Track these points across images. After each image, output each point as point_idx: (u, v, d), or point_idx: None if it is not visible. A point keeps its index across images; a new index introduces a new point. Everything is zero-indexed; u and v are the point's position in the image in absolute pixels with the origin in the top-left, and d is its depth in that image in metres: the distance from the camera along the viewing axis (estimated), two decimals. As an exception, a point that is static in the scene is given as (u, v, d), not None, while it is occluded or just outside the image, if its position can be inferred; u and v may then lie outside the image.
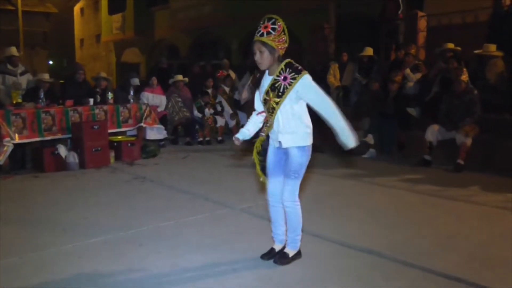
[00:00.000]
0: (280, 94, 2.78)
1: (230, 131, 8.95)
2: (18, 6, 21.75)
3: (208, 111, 8.44)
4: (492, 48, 6.68)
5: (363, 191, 5.00)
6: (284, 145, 2.85)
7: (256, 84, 2.96)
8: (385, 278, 2.79)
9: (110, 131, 6.66)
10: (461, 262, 3.03)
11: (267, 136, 2.97)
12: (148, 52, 20.64)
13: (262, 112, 2.99)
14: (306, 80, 2.77)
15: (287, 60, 2.83)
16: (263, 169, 3.04)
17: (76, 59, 25.90)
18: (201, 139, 8.33)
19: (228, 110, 8.89)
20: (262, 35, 2.75)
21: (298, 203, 2.93)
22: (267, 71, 2.89)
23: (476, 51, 6.83)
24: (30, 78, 7.38)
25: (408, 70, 7.53)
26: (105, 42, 23.58)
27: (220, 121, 8.63)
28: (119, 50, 22.87)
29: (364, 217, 4.00)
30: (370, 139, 6.75)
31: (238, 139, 3.02)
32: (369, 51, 8.54)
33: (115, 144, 6.75)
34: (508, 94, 6.28)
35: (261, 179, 3.07)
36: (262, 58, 2.79)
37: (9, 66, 7.17)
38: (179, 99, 8.47)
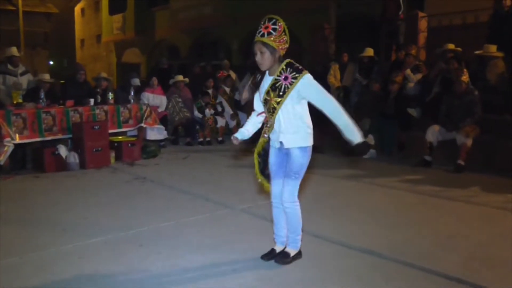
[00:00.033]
0: (281, 94, 2.78)
1: (231, 132, 8.95)
2: (19, 6, 21.79)
3: (208, 112, 8.44)
4: (493, 48, 6.68)
5: (363, 191, 5.00)
6: (286, 146, 2.85)
7: (256, 86, 2.96)
8: (385, 279, 2.79)
9: (110, 131, 6.67)
10: (461, 262, 3.03)
11: (269, 137, 2.96)
12: (149, 52, 20.65)
13: (262, 113, 2.98)
14: (307, 79, 2.77)
15: (287, 60, 2.83)
16: (263, 170, 3.04)
17: (76, 60, 25.93)
18: (201, 139, 8.33)
19: (228, 110, 8.89)
20: (263, 35, 2.75)
21: (298, 203, 2.93)
22: (267, 72, 2.89)
23: (476, 52, 6.82)
24: (31, 78, 7.39)
25: (408, 71, 7.53)
26: (106, 42, 23.60)
27: (221, 122, 8.64)
28: (119, 50, 22.88)
29: (364, 218, 4.00)
30: (370, 139, 6.74)
31: (236, 138, 3.02)
32: (369, 51, 8.53)
33: (116, 144, 6.75)
34: (508, 95, 6.28)
35: (259, 180, 3.07)
36: (263, 58, 2.79)
37: (9, 66, 7.17)
38: (180, 100, 8.48)
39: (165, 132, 7.71)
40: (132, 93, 7.43)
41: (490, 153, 5.94)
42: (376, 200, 4.61)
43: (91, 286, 2.74)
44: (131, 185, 5.32)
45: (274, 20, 2.76)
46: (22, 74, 7.27)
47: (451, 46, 7.36)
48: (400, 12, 8.88)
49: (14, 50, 7.28)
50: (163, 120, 7.95)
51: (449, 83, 6.38)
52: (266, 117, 2.94)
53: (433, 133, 6.10)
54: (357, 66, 8.71)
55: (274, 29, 2.74)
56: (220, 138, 8.58)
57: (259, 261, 3.03)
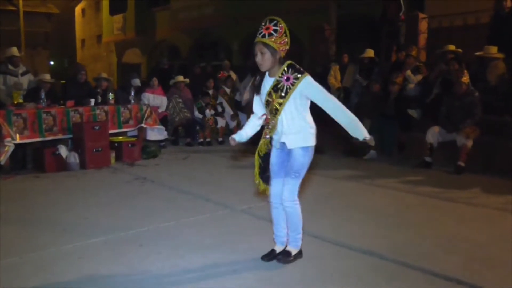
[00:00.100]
0: (283, 94, 2.78)
1: (231, 132, 8.95)
2: (19, 7, 21.82)
3: (208, 112, 8.44)
4: (493, 50, 6.68)
5: (364, 192, 5.00)
6: (289, 146, 2.85)
7: (256, 88, 2.95)
8: (385, 280, 2.79)
9: (110, 131, 6.67)
10: (461, 263, 3.03)
11: (271, 138, 2.96)
12: (149, 52, 20.66)
13: (263, 115, 2.98)
14: (308, 80, 2.78)
15: (289, 62, 2.83)
16: (262, 172, 3.03)
17: (77, 60, 25.96)
18: (201, 140, 8.33)
19: (228, 111, 8.90)
20: (263, 36, 2.75)
21: (297, 202, 2.93)
22: (267, 73, 2.89)
23: (477, 53, 6.82)
24: (31, 79, 7.39)
25: (409, 72, 7.53)
26: (106, 42, 23.61)
27: (221, 122, 8.64)
28: (120, 50, 22.89)
29: (364, 218, 4.00)
30: (370, 140, 6.73)
31: (234, 139, 3.02)
32: (370, 52, 8.54)
33: (116, 144, 6.75)
34: (509, 96, 6.28)
35: (257, 182, 3.07)
36: (263, 59, 2.79)
37: (10, 67, 7.18)
38: (180, 100, 8.48)
39: (165, 133, 7.71)
40: (132, 94, 7.43)
41: (490, 154, 5.93)
42: (376, 201, 4.61)
43: (91, 286, 2.74)
44: (131, 185, 5.32)
45: (275, 21, 2.76)
46: (23, 74, 7.27)
47: (452, 47, 7.36)
48: (401, 13, 8.89)
49: (14, 50, 7.29)
50: (163, 120, 7.95)
51: (450, 84, 6.38)
52: (267, 119, 2.94)
53: (433, 134, 6.10)
54: (358, 67, 8.71)
55: (275, 30, 2.74)
56: (220, 139, 8.58)
57: (259, 261, 3.03)
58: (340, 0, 11.68)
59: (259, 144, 3.02)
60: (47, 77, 7.17)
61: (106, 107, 6.79)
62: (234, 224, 3.85)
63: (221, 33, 16.32)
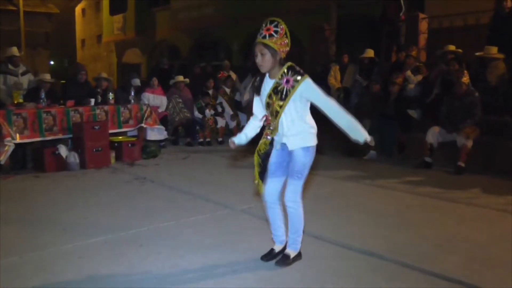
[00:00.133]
0: (283, 97, 2.78)
1: (231, 132, 8.96)
2: (19, 7, 21.82)
3: (208, 112, 8.45)
4: (493, 50, 6.67)
5: (364, 192, 5.00)
6: (290, 148, 2.85)
7: (256, 90, 2.95)
8: (385, 280, 2.79)
9: (110, 131, 6.67)
10: (461, 264, 3.03)
11: (272, 139, 2.96)
12: (149, 52, 20.66)
13: (264, 116, 2.98)
14: (308, 83, 2.77)
15: (289, 64, 2.82)
16: (262, 172, 3.03)
17: (77, 60, 25.97)
18: (201, 140, 8.33)
19: (228, 111, 8.90)
20: (264, 37, 2.75)
21: (300, 204, 2.92)
22: (267, 75, 2.88)
23: (477, 53, 6.82)
24: (32, 78, 7.40)
25: (409, 72, 7.53)
26: (106, 42, 23.61)
27: (221, 122, 8.64)
28: (120, 50, 22.89)
29: (364, 219, 4.00)
30: (370, 141, 6.73)
31: (233, 142, 3.01)
32: (370, 52, 8.54)
33: (116, 144, 6.75)
34: (509, 96, 6.28)
35: (256, 182, 3.06)
36: (264, 60, 2.78)
37: (10, 66, 7.18)
38: (180, 100, 8.48)
39: (165, 133, 7.71)
40: (132, 93, 7.43)
41: (491, 154, 5.93)
42: (377, 202, 4.61)
43: (91, 286, 2.74)
44: (131, 185, 5.32)
45: (276, 23, 2.76)
46: (23, 74, 7.28)
47: (452, 47, 7.36)
48: (401, 13, 8.89)
49: (14, 50, 7.29)
50: (163, 120, 7.95)
51: (450, 84, 6.38)
52: (268, 120, 2.94)
53: (433, 135, 6.10)
54: (358, 67, 8.70)
55: (276, 32, 2.74)
56: (220, 139, 8.58)
57: (259, 261, 3.03)
58: (340, 0, 11.67)
59: (259, 144, 3.02)
60: (47, 77, 7.17)
61: (106, 107, 6.79)
62: (234, 224, 3.85)
63: (221, 33, 16.32)
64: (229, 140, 3.04)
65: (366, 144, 2.96)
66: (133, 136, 7.26)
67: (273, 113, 2.85)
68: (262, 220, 3.83)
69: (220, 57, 15.13)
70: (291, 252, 3.01)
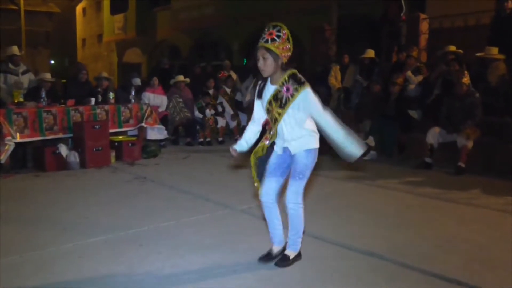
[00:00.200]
0: (282, 105, 2.79)
1: (231, 132, 8.97)
2: (20, 6, 21.81)
3: (209, 112, 8.44)
4: (494, 51, 6.67)
5: (364, 193, 5.00)
6: (292, 151, 2.86)
7: (258, 94, 2.95)
8: (385, 280, 2.79)
9: (111, 131, 6.67)
10: (461, 264, 3.03)
11: (272, 143, 2.95)
12: (150, 52, 20.67)
13: (265, 120, 2.98)
14: (306, 94, 2.76)
15: (291, 71, 2.81)
16: (260, 174, 3.02)
17: (77, 59, 25.97)
18: (201, 139, 8.33)
19: (229, 111, 8.89)
20: (266, 41, 2.75)
21: (302, 205, 2.91)
22: (269, 80, 2.88)
23: (478, 54, 6.82)
24: (32, 78, 7.40)
25: (409, 73, 7.53)
26: (107, 42, 23.61)
27: (221, 122, 8.64)
28: (120, 50, 22.89)
29: (364, 219, 4.00)
30: (371, 141, 6.74)
31: (235, 150, 3.00)
32: (370, 53, 8.53)
33: (116, 144, 6.75)
34: (509, 97, 6.27)
35: (256, 184, 3.06)
36: (266, 64, 2.78)
37: (10, 65, 7.19)
38: (180, 100, 8.48)
39: (165, 132, 7.71)
40: (133, 93, 7.43)
41: (491, 155, 5.93)
42: (377, 202, 4.61)
43: (91, 286, 2.74)
44: (131, 184, 5.32)
45: (278, 27, 2.76)
46: (23, 73, 7.29)
47: (452, 48, 7.35)
48: (402, 14, 8.88)
49: (15, 49, 7.30)
50: (164, 120, 7.95)
51: (450, 85, 6.38)
52: (269, 124, 2.95)
53: (434, 135, 6.10)
54: (358, 68, 8.70)
55: (278, 36, 2.74)
56: (220, 139, 8.58)
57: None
58: (341, 0, 11.67)
59: (256, 147, 3.02)
60: (48, 76, 7.18)
61: (106, 106, 6.79)
62: (234, 224, 3.85)
63: (222, 33, 16.33)
64: (231, 148, 3.03)
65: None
66: (133, 136, 7.26)
67: (272, 120, 2.87)
68: (262, 220, 3.82)
69: (221, 57, 15.11)
70: (291, 252, 3.01)
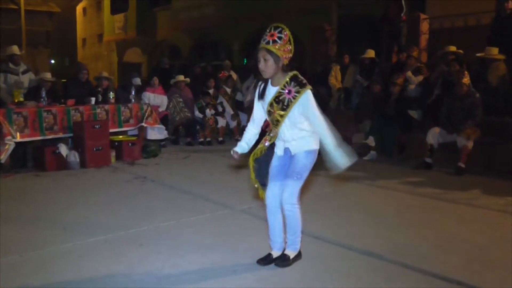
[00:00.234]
0: (284, 107, 2.79)
1: (231, 132, 8.97)
2: (20, 5, 21.82)
3: (209, 112, 8.44)
4: (494, 51, 6.67)
5: (364, 193, 5.00)
6: (293, 152, 2.86)
7: (258, 95, 2.95)
8: (385, 280, 2.79)
9: (111, 130, 6.67)
10: (461, 264, 3.03)
11: (272, 144, 2.95)
12: (150, 52, 20.67)
13: (266, 121, 2.98)
14: (306, 97, 2.76)
15: (292, 73, 2.81)
16: (259, 176, 3.01)
17: (78, 59, 25.97)
18: (202, 139, 8.33)
19: (229, 111, 8.89)
20: (268, 43, 2.74)
21: (298, 206, 2.90)
22: (270, 81, 2.88)
23: (478, 54, 6.82)
24: (32, 77, 7.40)
25: (409, 73, 7.53)
26: (107, 41, 23.62)
27: (221, 122, 8.64)
28: (121, 50, 22.90)
29: (364, 219, 4.00)
30: (371, 141, 6.74)
31: (237, 153, 2.99)
32: (370, 53, 8.54)
33: (116, 143, 6.75)
34: (509, 97, 6.27)
35: (256, 185, 3.05)
36: (267, 66, 2.78)
37: (10, 65, 7.19)
38: (181, 99, 8.48)
39: (165, 132, 7.71)
40: (133, 93, 7.43)
41: (491, 155, 5.93)
42: (377, 202, 4.61)
43: (91, 285, 2.74)
44: (131, 184, 5.32)
45: (280, 29, 2.76)
46: (24, 72, 7.29)
47: (453, 48, 7.36)
48: (402, 14, 8.88)
49: (15, 49, 7.30)
50: (164, 119, 7.95)
51: (450, 85, 6.38)
52: (270, 126, 2.95)
53: (434, 135, 6.10)
54: (358, 68, 8.70)
55: (280, 38, 2.73)
56: (220, 139, 8.58)
57: (259, 262, 3.03)
58: (341, 0, 11.67)
59: (256, 149, 3.02)
60: (48, 75, 7.19)
61: (106, 106, 6.79)
62: (234, 224, 3.85)
63: (222, 33, 16.33)
64: (231, 151, 3.02)
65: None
66: (133, 136, 7.25)
67: (274, 122, 2.87)
68: (262, 220, 3.83)
69: (221, 57, 15.11)
70: (291, 252, 3.00)
